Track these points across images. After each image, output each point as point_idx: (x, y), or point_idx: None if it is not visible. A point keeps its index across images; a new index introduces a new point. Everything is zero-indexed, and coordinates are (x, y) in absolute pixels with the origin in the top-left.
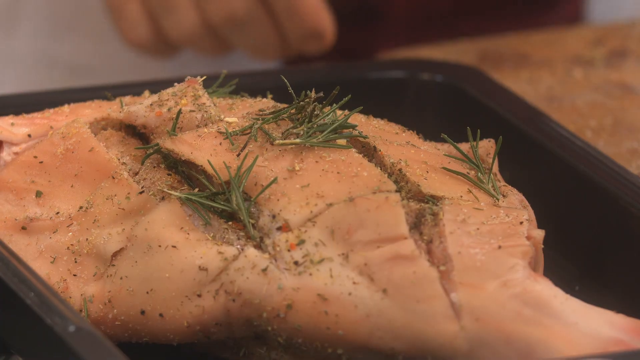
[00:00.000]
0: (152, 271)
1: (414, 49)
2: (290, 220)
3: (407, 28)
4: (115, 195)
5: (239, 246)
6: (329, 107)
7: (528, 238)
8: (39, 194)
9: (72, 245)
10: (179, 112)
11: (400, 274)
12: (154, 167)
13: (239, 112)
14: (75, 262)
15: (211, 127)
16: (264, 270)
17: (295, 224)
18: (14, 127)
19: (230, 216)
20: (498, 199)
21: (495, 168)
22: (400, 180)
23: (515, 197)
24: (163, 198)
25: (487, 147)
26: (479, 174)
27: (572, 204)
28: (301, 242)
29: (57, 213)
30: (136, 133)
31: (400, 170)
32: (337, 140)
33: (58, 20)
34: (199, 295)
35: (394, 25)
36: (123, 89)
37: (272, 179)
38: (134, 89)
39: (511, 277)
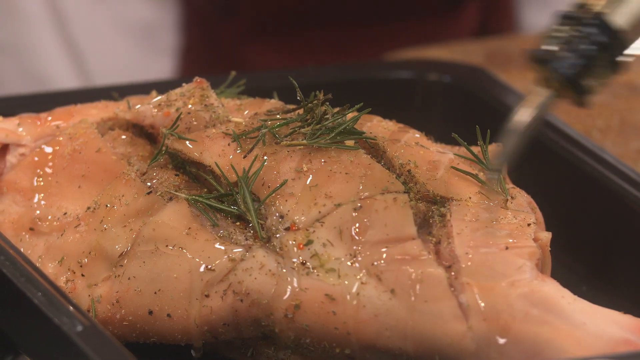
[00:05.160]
0: (160, 271)
1: (421, 50)
2: (298, 220)
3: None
4: (123, 196)
5: (246, 246)
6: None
7: (535, 240)
8: (46, 195)
9: (79, 245)
10: (186, 112)
11: (408, 274)
12: (162, 167)
13: (247, 112)
14: (83, 262)
15: (219, 127)
16: (272, 270)
17: (303, 225)
18: (20, 128)
19: (238, 216)
20: (506, 201)
21: (504, 170)
22: (409, 181)
23: (523, 198)
24: (171, 198)
25: (495, 151)
26: (488, 175)
27: (579, 204)
28: (309, 242)
29: (65, 214)
30: (143, 133)
31: (409, 171)
32: (345, 141)
33: None
34: (207, 296)
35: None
36: (130, 90)
37: (280, 179)
38: (141, 89)
39: (519, 277)
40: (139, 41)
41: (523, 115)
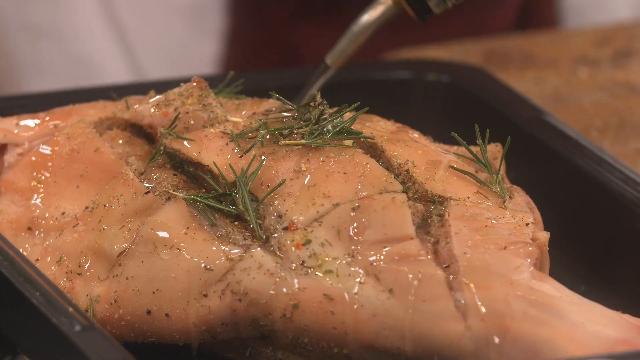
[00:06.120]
0: (158, 271)
1: (420, 49)
2: (296, 220)
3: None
4: (121, 196)
5: (245, 246)
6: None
7: (533, 240)
8: (44, 195)
9: (78, 245)
10: (184, 112)
11: (407, 274)
12: (160, 167)
13: (245, 112)
14: (82, 262)
15: (217, 127)
16: (270, 270)
17: (301, 224)
18: (18, 127)
19: (236, 216)
20: (505, 200)
21: (503, 170)
22: (407, 180)
23: (521, 198)
24: (169, 198)
25: (494, 151)
26: (489, 175)
27: (577, 204)
28: (307, 242)
29: (63, 213)
30: (142, 133)
31: (407, 170)
32: (343, 141)
33: None
34: (205, 295)
35: None
36: (128, 89)
37: (278, 179)
38: (140, 89)
39: (517, 277)
40: (185, 23)
41: (365, 20)
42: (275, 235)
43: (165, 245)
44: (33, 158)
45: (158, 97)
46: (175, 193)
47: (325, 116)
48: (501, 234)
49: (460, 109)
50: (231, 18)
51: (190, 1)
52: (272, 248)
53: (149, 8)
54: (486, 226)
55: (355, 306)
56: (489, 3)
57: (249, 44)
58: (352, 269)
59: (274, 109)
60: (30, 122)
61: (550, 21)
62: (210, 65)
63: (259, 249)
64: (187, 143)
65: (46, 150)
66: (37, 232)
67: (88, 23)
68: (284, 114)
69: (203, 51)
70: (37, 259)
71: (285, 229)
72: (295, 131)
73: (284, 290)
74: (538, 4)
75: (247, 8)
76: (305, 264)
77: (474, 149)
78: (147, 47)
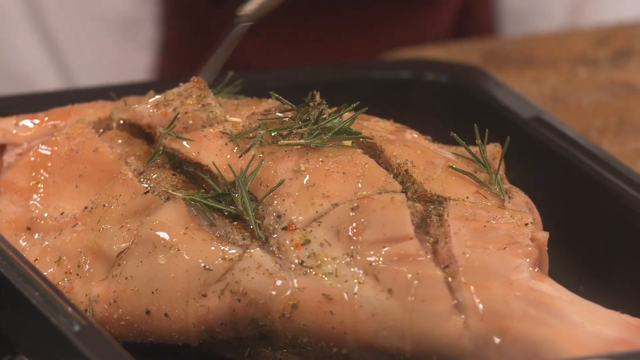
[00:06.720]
0: (157, 271)
1: (419, 50)
2: (295, 220)
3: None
4: (120, 196)
5: (244, 246)
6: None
7: (532, 240)
8: (43, 195)
9: (77, 245)
10: (183, 112)
11: (406, 274)
12: (159, 167)
13: (244, 112)
14: (81, 262)
15: (217, 127)
16: (270, 270)
17: (300, 224)
18: (17, 128)
19: (236, 216)
20: (504, 201)
21: (502, 170)
22: (407, 180)
23: (520, 198)
24: (168, 198)
25: (493, 151)
26: (488, 175)
27: (577, 204)
28: (306, 242)
29: (62, 213)
30: (141, 133)
31: (406, 170)
32: (342, 141)
33: None
34: (204, 295)
35: None
36: (127, 89)
37: (277, 179)
38: (138, 89)
39: (516, 277)
40: (119, 36)
41: None
42: (275, 235)
43: (165, 246)
44: (32, 158)
45: (157, 97)
46: (174, 193)
47: (324, 116)
48: (500, 234)
49: (460, 109)
50: (166, 28)
51: (121, 12)
52: (271, 248)
53: (81, 21)
54: (485, 226)
55: (354, 306)
56: (426, 9)
57: (185, 54)
58: (351, 269)
59: (273, 109)
60: (29, 122)
61: (488, 27)
62: (144, 76)
63: (258, 249)
64: (186, 143)
65: (45, 150)
66: (36, 232)
67: (17, 34)
68: (283, 114)
69: (136, 62)
70: (36, 259)
71: (285, 229)
72: (295, 131)
73: (283, 290)
74: (476, 9)
75: (184, 19)
76: (304, 264)
77: (473, 149)
78: (79, 60)
